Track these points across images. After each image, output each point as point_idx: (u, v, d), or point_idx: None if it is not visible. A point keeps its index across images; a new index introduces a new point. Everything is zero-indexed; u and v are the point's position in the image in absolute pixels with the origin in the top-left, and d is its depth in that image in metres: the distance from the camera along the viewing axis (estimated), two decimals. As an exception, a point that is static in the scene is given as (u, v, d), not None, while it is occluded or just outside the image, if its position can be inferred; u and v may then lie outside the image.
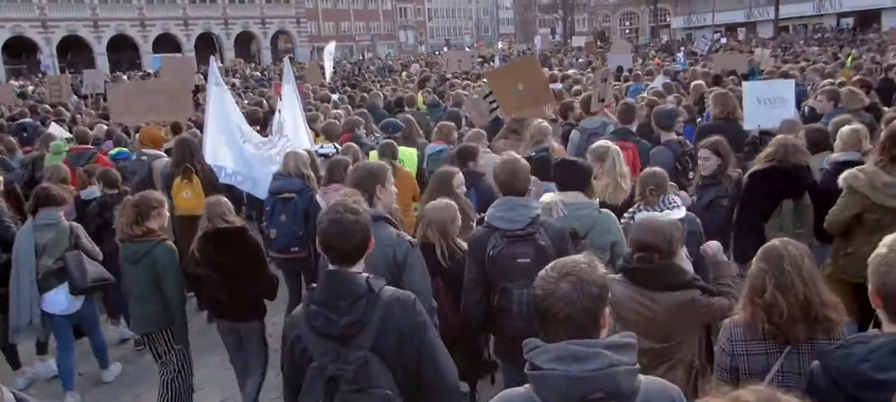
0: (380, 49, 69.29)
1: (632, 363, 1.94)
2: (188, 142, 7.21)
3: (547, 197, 4.34)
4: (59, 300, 5.46)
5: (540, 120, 6.92)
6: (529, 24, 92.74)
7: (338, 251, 2.61)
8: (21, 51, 55.39)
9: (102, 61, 54.83)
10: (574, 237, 3.98)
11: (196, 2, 63.68)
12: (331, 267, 2.63)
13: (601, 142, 5.49)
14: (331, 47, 27.30)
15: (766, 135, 6.79)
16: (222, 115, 7.23)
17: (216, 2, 64.70)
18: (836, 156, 5.21)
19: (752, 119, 7.54)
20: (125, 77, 33.09)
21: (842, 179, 4.50)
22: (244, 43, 67.54)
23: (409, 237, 3.70)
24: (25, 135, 11.32)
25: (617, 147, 5.36)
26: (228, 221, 4.73)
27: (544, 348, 1.97)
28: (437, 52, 59.38)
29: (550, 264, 2.14)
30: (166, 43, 60.95)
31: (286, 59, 10.35)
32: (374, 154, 6.82)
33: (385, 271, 3.30)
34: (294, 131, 7.75)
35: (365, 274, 2.64)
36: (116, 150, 9.02)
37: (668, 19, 62.71)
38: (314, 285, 2.71)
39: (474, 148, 5.98)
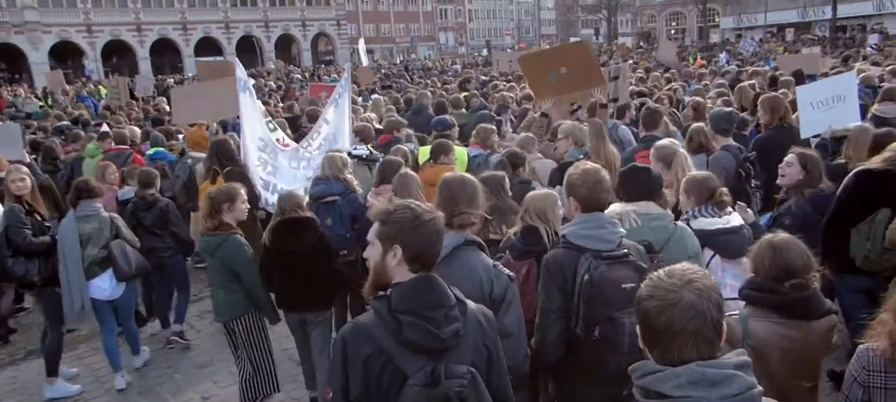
0: (420, 50, 68.81)
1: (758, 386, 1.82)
2: (220, 144, 7.18)
3: (615, 207, 3.86)
4: (104, 287, 5.84)
5: (576, 119, 6.44)
6: (572, 26, 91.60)
7: (428, 257, 2.37)
8: (67, 55, 56.38)
9: (145, 65, 55.48)
10: (648, 251, 3.58)
11: (237, 5, 64.13)
12: (417, 274, 2.34)
13: (666, 142, 5.36)
14: (362, 45, 26.62)
15: (839, 140, 6.26)
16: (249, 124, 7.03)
17: (257, 5, 65.12)
18: None
19: (808, 126, 6.70)
20: (171, 80, 32.98)
21: None
22: (285, 45, 67.80)
23: (507, 270, 3.24)
24: (64, 137, 11.42)
25: (684, 150, 5.25)
26: (301, 211, 5.06)
27: (670, 372, 1.80)
28: (475, 54, 58.61)
29: (661, 272, 1.96)
30: (208, 46, 61.60)
31: (348, 66, 10.06)
32: (424, 151, 6.77)
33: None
34: (335, 134, 7.67)
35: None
36: (154, 150, 8.97)
37: (716, 19, 60.52)
38: (383, 293, 2.34)
39: (523, 154, 5.74)
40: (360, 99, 15.75)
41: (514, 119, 8.67)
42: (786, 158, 4.92)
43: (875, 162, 4.52)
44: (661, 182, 4.10)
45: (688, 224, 4.08)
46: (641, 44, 50.08)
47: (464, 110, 10.27)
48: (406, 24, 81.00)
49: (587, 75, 8.05)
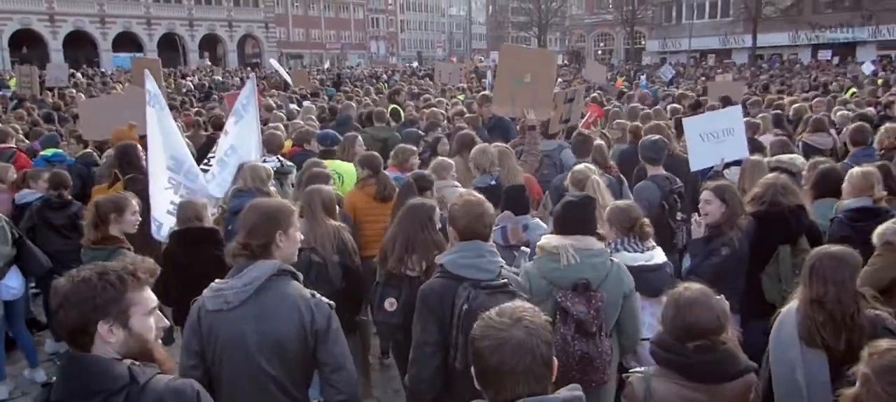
0: (351, 58, 67.87)
1: None
2: (125, 148, 6.58)
3: (552, 240, 3.71)
4: (13, 286, 5.67)
5: (485, 144, 6.13)
6: (502, 40, 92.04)
7: None
8: (-31, 44, 52.66)
9: (58, 58, 52.03)
10: (585, 289, 3.51)
11: (160, 1, 61.40)
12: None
13: (581, 166, 5.33)
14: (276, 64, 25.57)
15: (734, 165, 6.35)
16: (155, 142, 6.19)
17: (181, 2, 62.54)
18: (849, 202, 4.74)
19: (699, 159, 6.59)
20: (79, 75, 30.86)
21: (878, 235, 4.03)
22: (210, 46, 65.53)
23: (325, 299, 3.02)
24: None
25: (596, 175, 5.19)
26: (201, 222, 4.81)
27: None
28: (407, 64, 58.20)
29: (492, 311, 2.03)
30: (127, 41, 58.78)
31: (252, 74, 9.60)
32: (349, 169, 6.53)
33: (296, 341, 2.90)
34: (237, 147, 6.92)
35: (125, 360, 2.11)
36: (51, 151, 8.26)
37: (643, 42, 62.38)
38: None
39: (430, 177, 5.39)
40: (293, 105, 15.05)
41: (445, 138, 8.16)
42: (702, 196, 4.65)
43: (752, 205, 4.61)
44: (596, 216, 3.92)
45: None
46: (566, 62, 50.83)
47: (386, 124, 9.80)
48: (337, 31, 79.80)
49: (544, 91, 7.72)
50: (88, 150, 8.74)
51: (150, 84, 6.40)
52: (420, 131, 8.45)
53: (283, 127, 9.37)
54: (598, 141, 6.86)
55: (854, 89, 19.00)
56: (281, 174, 6.67)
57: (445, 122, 9.87)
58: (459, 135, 7.16)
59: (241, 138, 6.95)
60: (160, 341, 4.51)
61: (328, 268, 4.41)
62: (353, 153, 7.16)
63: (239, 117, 7.10)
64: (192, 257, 4.71)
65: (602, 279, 3.59)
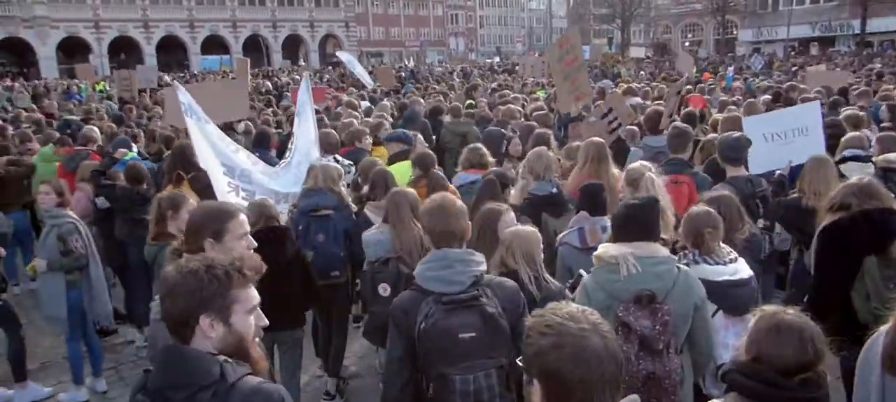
0: (430, 55, 67.83)
1: None
2: (182, 149, 6.81)
3: (610, 249, 3.33)
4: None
5: (541, 147, 5.65)
6: (584, 35, 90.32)
7: None
8: (75, 51, 55.92)
9: (151, 62, 54.65)
10: (649, 302, 3.10)
11: (245, 4, 63.58)
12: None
13: (636, 164, 4.92)
14: (347, 56, 25.00)
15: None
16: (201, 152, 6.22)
17: (265, 4, 64.55)
18: None
19: (759, 162, 5.75)
20: (168, 78, 31.86)
21: None
22: (292, 46, 67.07)
23: None
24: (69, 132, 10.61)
25: (652, 172, 4.74)
26: (275, 222, 4.74)
27: None
28: (487, 60, 57.58)
29: (552, 315, 1.79)
30: (215, 44, 61.10)
31: (305, 74, 9.14)
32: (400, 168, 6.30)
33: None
34: (301, 144, 7.07)
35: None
36: (129, 155, 8.11)
37: (735, 32, 59.20)
38: None
39: (510, 175, 5.24)
40: (365, 102, 14.77)
41: (515, 132, 7.49)
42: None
43: (829, 213, 4.07)
44: (660, 220, 3.48)
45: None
46: (647, 55, 48.55)
47: (463, 119, 9.38)
48: (416, 28, 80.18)
49: (580, 78, 7.18)
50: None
51: (183, 95, 6.40)
52: (504, 131, 7.75)
53: (357, 124, 9.05)
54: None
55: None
56: None
57: (523, 119, 9.15)
58: (535, 135, 6.62)
59: (301, 137, 7.03)
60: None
61: None
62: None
63: (298, 116, 7.25)
64: (268, 256, 4.34)
65: (668, 290, 3.18)
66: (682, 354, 3.28)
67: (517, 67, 29.98)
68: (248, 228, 2.96)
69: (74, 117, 12.85)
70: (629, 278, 3.18)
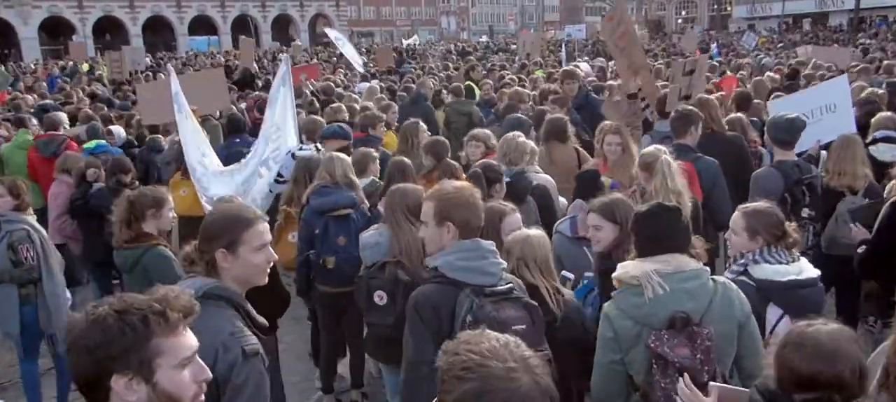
0: (421, 35, 67.04)
1: None
2: None
3: (629, 268, 2.90)
4: None
5: (515, 133, 5.45)
6: (576, 12, 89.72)
7: None
8: (58, 32, 54.76)
9: (137, 43, 53.50)
10: (684, 325, 2.71)
11: (233, -17, 62.07)
12: None
13: (650, 148, 4.64)
14: (335, 33, 24.16)
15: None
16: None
17: (254, -18, 63.06)
18: None
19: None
20: (149, 60, 31.09)
21: None
22: (282, 26, 65.89)
23: (248, 340, 2.40)
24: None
25: (667, 155, 4.41)
26: None
27: None
28: (479, 38, 56.88)
29: (474, 341, 1.53)
30: (203, 25, 59.85)
31: (285, 56, 9.14)
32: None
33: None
34: (283, 132, 6.66)
35: None
36: (95, 142, 7.72)
37: (729, 8, 58.62)
38: None
39: (499, 169, 4.75)
40: (362, 84, 14.33)
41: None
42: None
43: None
44: (689, 224, 3.07)
45: (745, 272, 3.26)
46: (642, 33, 47.89)
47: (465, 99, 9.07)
48: (407, 8, 79.17)
49: (638, 54, 6.87)
50: (157, 135, 8.38)
51: (174, 83, 6.23)
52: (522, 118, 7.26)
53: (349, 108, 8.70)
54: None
55: None
56: None
57: (531, 103, 8.69)
58: (550, 120, 6.13)
59: (279, 124, 6.55)
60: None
61: (417, 284, 3.63)
62: (417, 143, 6.36)
63: (269, 106, 6.72)
64: None
65: (705, 309, 2.79)
66: (731, 380, 2.89)
67: (513, 46, 29.32)
68: (267, 238, 2.60)
69: (49, 101, 12.19)
70: (656, 300, 2.77)
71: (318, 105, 10.06)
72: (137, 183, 6.11)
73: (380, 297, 3.81)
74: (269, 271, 4.25)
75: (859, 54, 17.92)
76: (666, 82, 8.33)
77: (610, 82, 11.12)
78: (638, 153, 5.54)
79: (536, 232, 3.51)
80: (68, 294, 5.21)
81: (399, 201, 3.98)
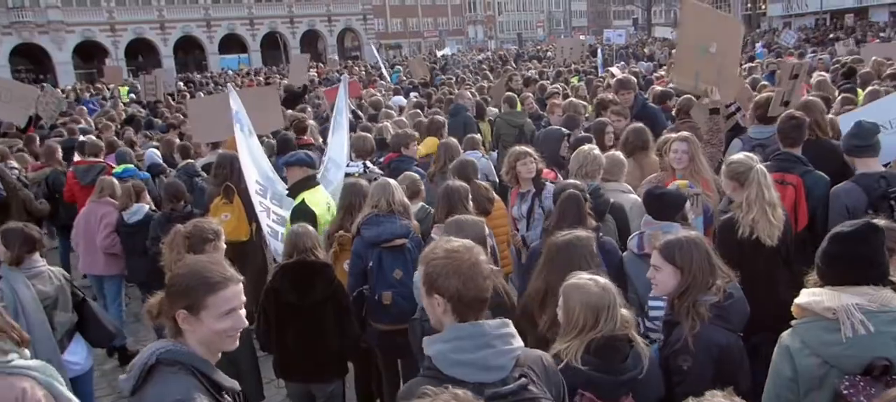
0: (449, 45, 66.87)
1: None
2: (229, 158, 6.29)
3: (823, 298, 2.51)
4: (77, 361, 4.60)
5: (590, 146, 5.24)
6: (603, 17, 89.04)
7: None
8: (91, 55, 55.80)
9: (169, 63, 54.28)
10: (884, 374, 2.32)
11: (261, 1, 62.80)
12: None
13: (740, 155, 4.26)
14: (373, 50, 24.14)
15: None
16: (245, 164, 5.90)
17: (281, 0, 63.39)
18: None
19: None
20: (180, 83, 31.24)
21: None
22: (310, 41, 66.33)
23: None
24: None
25: (761, 164, 4.11)
26: (316, 255, 4.31)
27: None
28: (507, 46, 56.40)
29: None
30: (232, 43, 60.60)
31: (344, 74, 8.69)
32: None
33: None
34: (337, 155, 6.63)
35: None
36: (122, 167, 7.77)
37: (763, 7, 57.20)
38: None
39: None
40: (396, 98, 13.92)
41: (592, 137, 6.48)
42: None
43: None
44: (886, 254, 2.63)
45: None
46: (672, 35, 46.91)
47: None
48: (434, 19, 79.14)
49: (730, 65, 6.30)
50: (191, 160, 8.21)
51: (234, 101, 6.06)
52: (564, 129, 6.75)
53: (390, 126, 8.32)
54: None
55: None
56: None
57: (586, 115, 8.15)
58: (633, 131, 5.73)
59: (334, 146, 6.47)
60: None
61: None
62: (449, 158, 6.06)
63: (333, 125, 6.69)
64: (302, 295, 4.24)
65: None
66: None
67: (549, 53, 28.65)
68: (237, 302, 2.38)
69: (81, 126, 12.16)
70: (855, 340, 2.42)
71: (365, 121, 9.66)
72: (191, 209, 6.11)
73: None
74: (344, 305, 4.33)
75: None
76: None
77: (655, 87, 10.55)
78: (710, 166, 5.23)
79: (586, 277, 2.98)
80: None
81: (456, 234, 3.58)
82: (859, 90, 8.56)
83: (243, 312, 2.42)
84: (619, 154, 5.27)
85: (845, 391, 2.40)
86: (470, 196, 4.68)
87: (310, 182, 5.48)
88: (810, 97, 6.29)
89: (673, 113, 7.32)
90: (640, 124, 6.03)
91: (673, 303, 3.17)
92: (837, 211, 4.36)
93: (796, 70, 6.46)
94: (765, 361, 2.81)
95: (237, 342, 2.44)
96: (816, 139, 5.37)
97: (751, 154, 4.35)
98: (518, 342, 2.30)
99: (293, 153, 6.04)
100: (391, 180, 4.85)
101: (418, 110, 10.51)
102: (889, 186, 4.40)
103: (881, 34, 29.98)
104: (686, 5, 6.40)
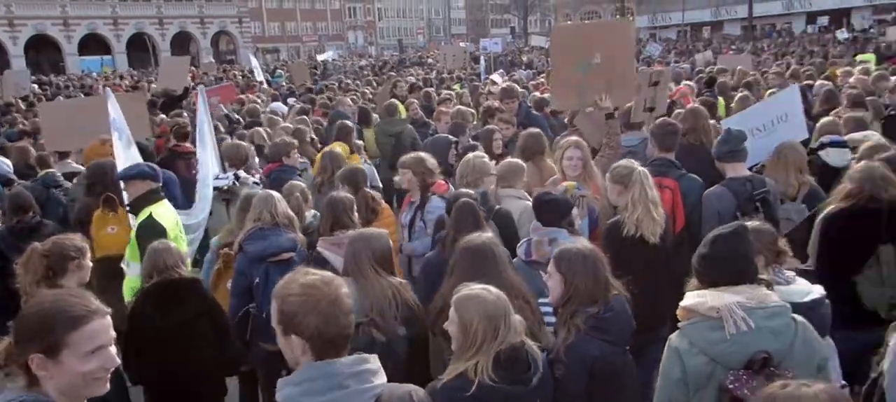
0: (329, 50, 65.96)
1: None
2: (105, 166, 5.70)
3: (707, 298, 2.66)
4: None
5: (476, 154, 5.25)
6: (482, 25, 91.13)
7: None
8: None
9: (19, 63, 49.62)
10: (763, 367, 2.50)
11: (127, 0, 58.72)
12: None
13: (624, 162, 4.46)
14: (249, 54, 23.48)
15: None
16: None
17: (150, 0, 59.89)
18: None
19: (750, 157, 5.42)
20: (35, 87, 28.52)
21: None
22: (182, 44, 63.05)
23: None
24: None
25: (642, 167, 4.33)
26: (180, 273, 4.03)
27: None
28: (384, 52, 56.40)
29: None
30: (94, 44, 56.40)
31: (201, 87, 8.56)
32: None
33: None
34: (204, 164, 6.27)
35: None
36: None
37: (631, 18, 60.71)
38: None
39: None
40: (276, 104, 13.31)
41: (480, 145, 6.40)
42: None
43: (839, 199, 4.11)
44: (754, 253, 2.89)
45: None
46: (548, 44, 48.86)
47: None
48: (313, 23, 77.94)
49: (623, 69, 6.28)
50: (51, 169, 7.30)
51: (112, 107, 5.80)
52: (451, 136, 6.62)
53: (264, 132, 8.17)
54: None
55: (871, 56, 17.49)
56: (227, 193, 5.77)
57: (474, 122, 8.08)
58: (530, 136, 5.76)
59: (204, 163, 6.14)
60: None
61: (393, 346, 3.32)
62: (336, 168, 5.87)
63: (199, 138, 6.36)
64: (171, 315, 3.95)
65: (786, 350, 2.59)
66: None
67: (430, 59, 28.73)
68: (106, 339, 2.09)
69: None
70: (738, 337, 2.56)
71: (223, 129, 9.10)
72: (40, 220, 5.54)
73: None
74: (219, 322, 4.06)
75: (753, 60, 18.82)
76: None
77: (535, 94, 10.74)
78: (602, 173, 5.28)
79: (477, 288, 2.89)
80: None
81: (363, 249, 3.58)
82: (720, 98, 9.29)
83: (113, 348, 2.10)
84: (518, 160, 5.23)
85: (730, 386, 2.52)
86: (354, 206, 4.55)
87: (153, 196, 4.98)
88: (695, 105, 6.54)
89: (566, 121, 7.45)
90: (537, 130, 6.05)
91: (557, 311, 3.22)
92: (709, 214, 4.58)
93: (656, 77, 6.70)
94: (650, 361, 2.87)
95: (107, 385, 2.13)
96: (700, 144, 5.66)
97: (631, 160, 4.53)
98: (380, 378, 2.15)
99: (133, 165, 5.54)
100: (273, 192, 4.64)
101: (305, 116, 10.08)
102: (755, 188, 4.69)
103: (733, 47, 32.55)
104: (556, 32, 6.49)
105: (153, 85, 19.25)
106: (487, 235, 3.67)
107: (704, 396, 2.65)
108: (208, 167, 6.20)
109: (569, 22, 66.97)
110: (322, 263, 4.20)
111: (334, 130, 7.76)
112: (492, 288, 2.84)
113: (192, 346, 4.00)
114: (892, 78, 10.12)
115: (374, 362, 2.17)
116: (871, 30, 35.53)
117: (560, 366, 3.00)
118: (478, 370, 2.67)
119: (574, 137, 5.72)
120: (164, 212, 4.92)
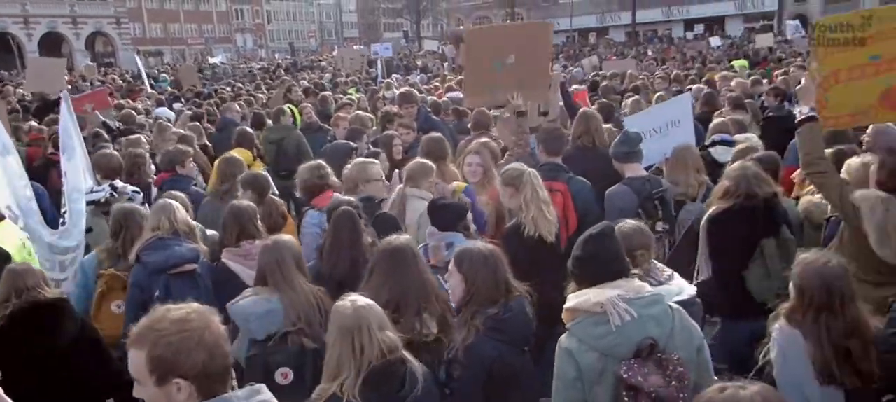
0: (216, 53, 63.55)
1: None
2: None
3: (590, 295, 2.74)
4: None
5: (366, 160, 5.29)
6: (374, 28, 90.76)
7: None
8: None
9: None
10: (651, 352, 2.62)
11: (-14, -2, 54.17)
12: None
13: (514, 165, 4.62)
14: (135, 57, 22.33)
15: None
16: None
17: (13, -2, 55.54)
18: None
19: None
20: None
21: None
22: (52, 46, 58.63)
23: None
24: None
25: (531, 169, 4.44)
26: (39, 292, 3.63)
27: None
28: (276, 55, 55.03)
29: None
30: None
31: (64, 93, 7.66)
32: None
33: None
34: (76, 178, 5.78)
35: None
36: None
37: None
38: None
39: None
40: (161, 109, 12.59)
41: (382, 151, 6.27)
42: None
43: (718, 199, 4.29)
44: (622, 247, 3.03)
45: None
46: (445, 45, 49.15)
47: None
48: (198, 25, 74.78)
49: (536, 68, 6.30)
50: None
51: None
52: (352, 143, 6.47)
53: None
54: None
55: (745, 62, 18.91)
56: (105, 205, 5.45)
57: (373, 127, 7.94)
58: (432, 140, 5.78)
59: (73, 176, 5.69)
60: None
61: (322, 352, 3.13)
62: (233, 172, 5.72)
63: (66, 151, 5.86)
64: (46, 340, 3.62)
65: (668, 335, 2.73)
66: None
67: (324, 63, 28.16)
68: None
69: None
70: (622, 328, 2.65)
71: (108, 137, 8.48)
72: None
73: (284, 374, 3.35)
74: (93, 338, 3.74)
75: (637, 64, 19.89)
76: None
77: (431, 98, 10.72)
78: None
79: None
80: None
81: (283, 256, 3.55)
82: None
83: None
84: (427, 161, 5.15)
85: (625, 375, 2.60)
86: (258, 214, 4.44)
87: None
88: (587, 108, 6.73)
89: (469, 126, 7.51)
90: (438, 134, 6.06)
91: (459, 311, 3.23)
92: (612, 212, 4.67)
93: (549, 82, 6.83)
94: (548, 360, 2.95)
95: None
96: (592, 146, 5.84)
97: (519, 163, 4.68)
98: None
99: None
100: (171, 200, 4.45)
101: (198, 123, 9.56)
102: (653, 188, 4.92)
103: (616, 53, 34.17)
104: (471, 32, 6.50)
105: (19, 89, 17.76)
106: (405, 236, 3.62)
107: (599, 391, 2.72)
108: (78, 180, 5.77)
109: (461, 27, 68.06)
110: (228, 275, 4.14)
111: (234, 136, 7.47)
112: (361, 299, 2.72)
113: (71, 370, 3.71)
114: (765, 81, 10.92)
115: (265, 391, 2.04)
116: (739, 37, 38.23)
117: (458, 367, 3.04)
118: (346, 388, 2.54)
119: (474, 143, 5.73)
120: (6, 233, 4.50)
